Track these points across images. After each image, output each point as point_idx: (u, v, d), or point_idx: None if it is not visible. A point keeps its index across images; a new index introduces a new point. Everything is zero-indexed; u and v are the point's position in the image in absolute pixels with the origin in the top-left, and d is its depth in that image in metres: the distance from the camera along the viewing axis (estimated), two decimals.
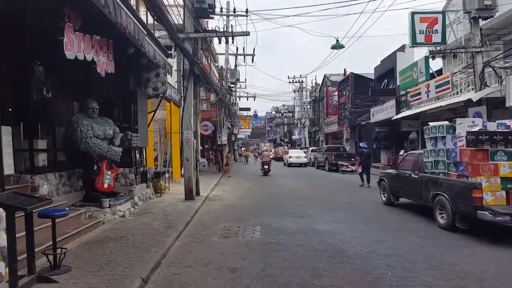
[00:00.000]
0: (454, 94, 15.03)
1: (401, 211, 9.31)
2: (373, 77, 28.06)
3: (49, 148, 7.34)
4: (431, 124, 8.02)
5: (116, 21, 5.19)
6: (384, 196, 10.20)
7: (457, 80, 15.14)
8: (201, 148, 23.06)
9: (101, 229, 6.60)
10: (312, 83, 49.95)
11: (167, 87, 10.87)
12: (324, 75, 42.48)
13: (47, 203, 3.79)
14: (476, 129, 6.77)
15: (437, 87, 15.80)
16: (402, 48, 23.68)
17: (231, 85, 25.77)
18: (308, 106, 49.26)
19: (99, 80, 7.25)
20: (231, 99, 30.21)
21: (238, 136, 48.96)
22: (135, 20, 6.15)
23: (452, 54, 14.50)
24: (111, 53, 6.52)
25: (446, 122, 7.75)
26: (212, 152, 31.66)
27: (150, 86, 10.19)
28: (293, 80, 46.18)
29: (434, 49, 15.21)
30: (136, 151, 10.10)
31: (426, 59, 17.02)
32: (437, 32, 15.34)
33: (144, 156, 10.82)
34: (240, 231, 7.01)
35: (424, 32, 15.34)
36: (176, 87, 16.16)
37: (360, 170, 15.28)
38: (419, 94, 17.46)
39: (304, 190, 13.88)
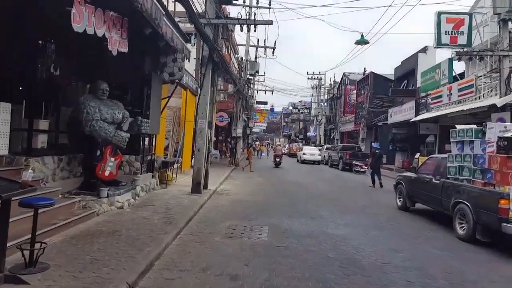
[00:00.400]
0: (476, 98, 14.32)
1: (417, 217, 8.79)
2: (392, 78, 27.25)
3: (51, 129, 7.04)
4: (458, 127, 7.43)
5: None
6: (400, 201, 9.65)
7: (480, 84, 14.43)
8: (215, 139, 22.79)
9: (94, 221, 6.19)
10: (330, 80, 49.12)
11: (184, 73, 10.53)
12: (344, 73, 41.62)
13: (29, 190, 3.41)
14: (509, 134, 6.15)
15: (460, 90, 15.06)
16: (424, 50, 22.88)
17: (250, 77, 25.24)
18: (325, 104, 48.41)
19: (113, 61, 6.95)
20: (249, 91, 29.75)
21: (253, 129, 48.56)
22: None
23: (479, 56, 13.81)
24: (125, 31, 6.17)
25: (475, 126, 7.15)
26: (226, 144, 31.39)
27: (166, 71, 9.86)
28: (312, 77, 45.39)
29: (461, 50, 14.50)
30: (146, 138, 9.81)
31: (450, 61, 16.30)
32: (463, 34, 14.76)
33: (154, 144, 10.51)
34: (246, 231, 6.58)
35: (450, 33, 14.81)
36: (194, 75, 15.84)
37: (370, 171, 15.20)
38: (440, 96, 16.72)
39: (317, 189, 13.39)
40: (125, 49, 6.14)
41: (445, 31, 14.66)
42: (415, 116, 19.09)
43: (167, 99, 10.76)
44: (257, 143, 47.76)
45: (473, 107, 13.62)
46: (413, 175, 9.09)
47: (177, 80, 10.28)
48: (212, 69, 10.53)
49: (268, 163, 26.10)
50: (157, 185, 10.38)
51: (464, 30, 14.64)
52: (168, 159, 12.26)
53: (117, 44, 5.83)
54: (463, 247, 6.36)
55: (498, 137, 6.22)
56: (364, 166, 21.96)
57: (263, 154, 37.40)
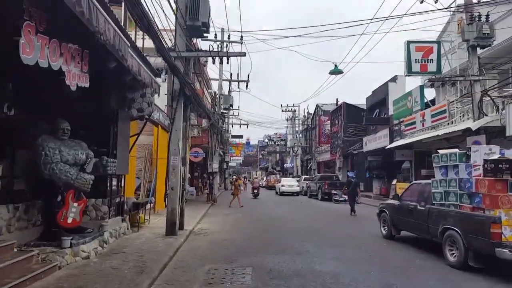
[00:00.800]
0: (449, 123, 14.63)
1: (404, 246, 8.46)
2: (364, 107, 27.93)
3: (3, 175, 6.31)
4: (441, 151, 7.29)
5: (90, 24, 4.41)
6: (384, 229, 9.30)
7: (453, 109, 14.81)
8: (189, 176, 22.01)
9: (54, 276, 5.43)
10: (304, 112, 50.00)
11: (154, 108, 10.08)
12: (317, 104, 42.52)
13: None
14: (495, 157, 6.01)
15: (433, 116, 15.38)
16: (394, 79, 23.72)
17: (224, 111, 25.05)
18: (300, 135, 48.90)
19: (75, 98, 6.42)
20: (224, 125, 29.50)
21: (230, 164, 47.96)
22: (116, 27, 5.38)
23: (451, 82, 14.24)
24: (85, 64, 5.69)
25: (457, 150, 7.03)
26: (202, 180, 30.48)
27: (134, 107, 9.43)
28: (286, 109, 46.04)
29: (433, 77, 14.96)
30: (114, 179, 9.12)
31: (421, 88, 16.78)
32: (432, 62, 15.29)
33: (123, 184, 9.80)
34: (228, 276, 5.96)
35: (420, 61, 15.32)
36: (166, 111, 15.40)
37: (343, 198, 16.47)
38: (413, 123, 17.03)
39: (300, 221, 12.90)
40: (86, 84, 5.66)
41: (415, 59, 15.08)
42: (390, 143, 19.32)
43: (136, 136, 10.19)
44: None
45: (448, 131, 13.83)
46: (396, 202, 8.82)
47: (146, 116, 9.81)
48: (184, 103, 10.15)
49: (246, 195, 25.73)
50: (128, 229, 9.58)
51: (434, 58, 15.12)
52: (139, 200, 11.49)
53: (76, 78, 5.35)
54: (458, 276, 6.01)
55: (484, 160, 6.07)
56: (343, 195, 21.78)
57: (241, 188, 36.29)
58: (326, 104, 39.38)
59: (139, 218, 10.46)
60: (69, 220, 6.80)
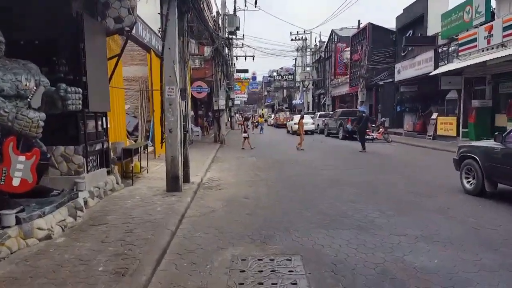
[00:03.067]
0: None
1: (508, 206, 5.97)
2: (394, 29, 23.96)
3: None
4: None
5: None
6: (470, 183, 6.78)
7: None
8: (193, 113, 19.36)
9: None
10: (316, 41, 45.36)
11: (136, 19, 7.11)
12: (332, 30, 37.97)
13: None
14: None
15: (506, 28, 11.91)
16: None
17: (231, 36, 21.36)
18: (311, 68, 44.90)
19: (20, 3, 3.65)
20: (229, 56, 26.00)
21: (235, 102, 44.94)
22: None
23: None
24: None
25: None
26: (207, 119, 27.95)
27: (110, 15, 6.79)
28: (296, 37, 41.56)
29: None
30: (92, 118, 6.57)
31: None
32: None
33: (106, 125, 7.24)
34: (266, 274, 3.61)
35: None
36: (160, 35, 12.28)
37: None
38: (473, 40, 13.66)
39: (332, 168, 10.39)
40: None
41: None
42: (435, 69, 16.09)
43: (117, 58, 7.37)
44: (256, 115, 43.51)
45: None
46: (496, 145, 6.17)
47: (127, 28, 6.92)
48: (178, 8, 7.16)
49: (263, 138, 23.43)
50: (118, 183, 7.25)
51: None
52: (132, 145, 9.01)
53: None
54: None
55: None
56: (371, 133, 19.27)
57: (263, 128, 30.25)
58: (344, 28, 34.92)
59: (133, 168, 8.09)
60: (15, 182, 4.39)
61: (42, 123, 4.45)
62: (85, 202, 5.68)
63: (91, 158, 6.42)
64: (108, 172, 7.02)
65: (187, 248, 4.31)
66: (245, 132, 17.06)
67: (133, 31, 10.17)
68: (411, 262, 3.84)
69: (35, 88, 4.74)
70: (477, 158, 6.49)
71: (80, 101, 5.23)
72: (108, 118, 7.50)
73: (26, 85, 4.64)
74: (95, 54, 6.41)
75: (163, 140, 7.39)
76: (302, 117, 17.08)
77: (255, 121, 32.07)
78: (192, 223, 5.29)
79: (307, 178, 8.93)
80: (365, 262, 3.85)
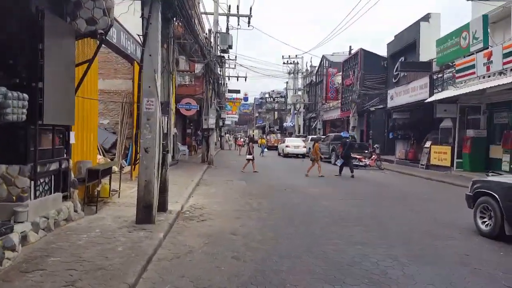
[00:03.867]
0: None
1: None
2: (383, 56, 23.69)
3: None
4: None
5: None
6: (485, 224, 5.82)
7: None
8: (176, 131, 18.21)
9: None
10: (307, 65, 45.32)
11: (112, 21, 6.10)
12: (323, 55, 37.93)
13: None
14: None
15: (506, 55, 11.40)
16: (427, 18, 19.45)
17: (223, 54, 20.61)
18: (302, 91, 44.53)
19: None
20: (221, 75, 25.19)
21: (225, 121, 44.05)
22: None
23: None
24: None
25: None
26: (196, 138, 26.84)
27: (81, 16, 5.91)
28: (287, 61, 41.35)
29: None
30: (48, 132, 5.45)
31: (485, 18, 12.64)
32: None
33: (68, 141, 6.08)
34: None
35: None
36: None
37: (340, 162, 14.98)
38: (472, 67, 13.11)
39: (331, 198, 9.23)
40: None
41: None
42: (430, 96, 15.48)
43: (87, 64, 6.27)
44: (255, 135, 42.37)
45: None
46: None
47: (101, 31, 5.91)
48: (162, 13, 6.21)
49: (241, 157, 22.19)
50: (76, 211, 6.03)
51: None
52: (100, 164, 7.82)
53: None
54: None
55: None
56: (363, 159, 18.46)
57: (265, 149, 28.64)
58: (335, 54, 34.77)
59: (98, 192, 6.87)
60: None
61: None
62: (25, 237, 4.47)
63: (42, 180, 5.25)
64: (66, 198, 5.82)
65: None
66: (250, 153, 15.43)
67: (115, 40, 9.19)
68: None
69: None
70: (497, 196, 5.52)
71: (25, 110, 4.14)
72: (73, 133, 6.36)
73: None
74: (58, 57, 5.36)
75: (137, 161, 6.27)
76: (316, 141, 16.20)
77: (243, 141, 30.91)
78: (160, 271, 4.11)
79: (304, 208, 7.88)
80: None
